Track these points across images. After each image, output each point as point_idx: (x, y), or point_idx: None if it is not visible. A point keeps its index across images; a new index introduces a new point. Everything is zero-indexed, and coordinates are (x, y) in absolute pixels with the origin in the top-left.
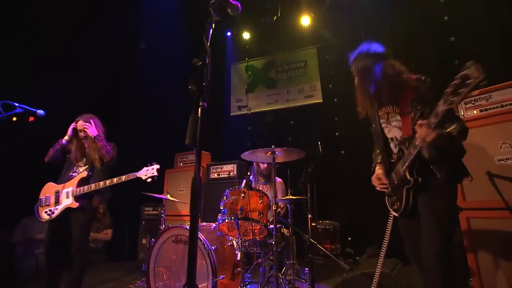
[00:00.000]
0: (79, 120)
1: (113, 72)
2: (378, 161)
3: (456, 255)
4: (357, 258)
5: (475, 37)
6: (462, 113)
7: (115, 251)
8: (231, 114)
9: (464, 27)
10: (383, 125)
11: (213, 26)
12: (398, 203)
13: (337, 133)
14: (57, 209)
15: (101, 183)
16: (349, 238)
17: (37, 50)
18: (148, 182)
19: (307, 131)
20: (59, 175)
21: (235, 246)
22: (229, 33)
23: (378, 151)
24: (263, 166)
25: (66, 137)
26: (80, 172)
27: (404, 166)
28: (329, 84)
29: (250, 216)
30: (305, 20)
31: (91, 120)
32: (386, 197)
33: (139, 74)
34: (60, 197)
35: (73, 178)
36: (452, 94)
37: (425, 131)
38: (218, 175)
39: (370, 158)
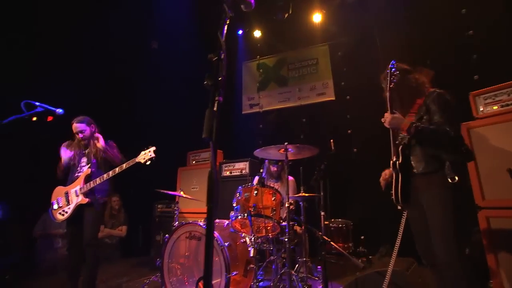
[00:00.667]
0: (74, 123)
1: (121, 71)
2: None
3: (475, 255)
4: (370, 257)
5: (493, 30)
6: (481, 109)
7: (129, 247)
8: (243, 112)
9: (483, 19)
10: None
11: (227, 22)
12: (393, 193)
13: (349, 131)
14: (69, 208)
15: (105, 175)
16: (362, 237)
17: (43, 50)
18: (147, 164)
19: (319, 129)
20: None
21: (248, 242)
22: (240, 31)
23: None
24: (273, 169)
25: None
26: (84, 171)
27: (395, 154)
28: (341, 81)
29: (263, 213)
30: (317, 17)
31: (93, 126)
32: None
33: (150, 73)
34: (70, 197)
35: (78, 177)
36: None
37: (386, 115)
38: (230, 173)
39: (383, 155)
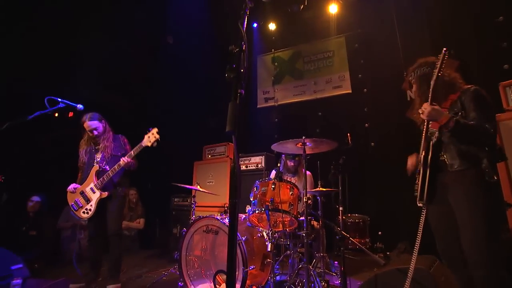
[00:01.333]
0: (86, 121)
1: (138, 67)
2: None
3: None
4: (388, 253)
5: None
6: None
7: (147, 239)
8: (258, 106)
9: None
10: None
11: (248, 13)
12: (419, 190)
13: (366, 125)
14: (91, 205)
15: (116, 166)
16: (380, 233)
17: (63, 45)
18: (155, 146)
19: (335, 122)
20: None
21: (265, 237)
22: (255, 25)
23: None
24: (290, 163)
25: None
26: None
27: (425, 149)
28: (358, 74)
29: (280, 208)
30: (333, 8)
31: (103, 121)
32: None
33: (165, 69)
34: (88, 195)
35: (89, 175)
36: None
37: (426, 105)
38: (246, 167)
39: (400, 149)
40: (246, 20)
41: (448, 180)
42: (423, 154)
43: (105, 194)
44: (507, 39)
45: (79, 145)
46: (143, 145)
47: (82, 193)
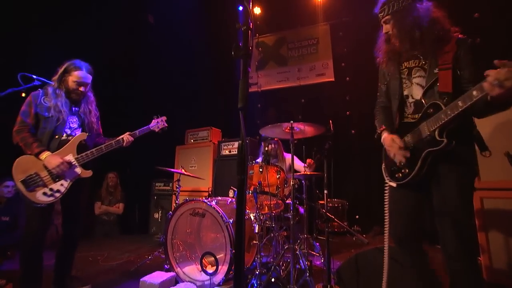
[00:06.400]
0: (81, 69)
1: (118, 47)
2: (385, 125)
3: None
4: (364, 235)
5: (500, 12)
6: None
7: (127, 224)
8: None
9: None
10: (403, 80)
11: None
12: (407, 170)
13: (348, 113)
14: (63, 186)
15: (113, 142)
16: (357, 216)
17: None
18: (160, 133)
19: (317, 109)
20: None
21: (253, 219)
22: (241, 8)
23: (383, 113)
24: (270, 146)
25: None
26: (77, 135)
27: (436, 126)
28: (342, 62)
29: (268, 191)
30: None
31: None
32: (385, 164)
33: (146, 50)
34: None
35: (68, 142)
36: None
37: (508, 73)
38: (229, 151)
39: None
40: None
41: (441, 160)
42: (432, 127)
43: (89, 173)
44: (480, 35)
45: (46, 94)
46: (151, 128)
47: (46, 167)
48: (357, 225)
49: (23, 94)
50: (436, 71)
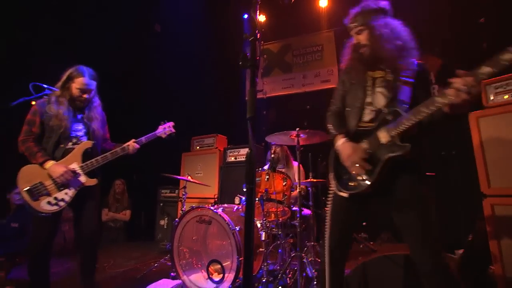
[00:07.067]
0: (84, 75)
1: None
2: (340, 131)
3: (479, 241)
4: (371, 243)
5: (505, 18)
6: (492, 98)
7: (132, 231)
8: (246, 98)
9: (495, 6)
10: (367, 88)
11: (259, 1)
12: (363, 177)
13: None
14: (67, 194)
15: (118, 149)
16: (364, 223)
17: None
18: (167, 140)
19: (323, 116)
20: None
21: (259, 227)
22: (246, 16)
23: (337, 118)
24: (273, 150)
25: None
26: (82, 142)
27: (397, 132)
28: None
29: (274, 198)
30: (323, 2)
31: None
32: (335, 173)
33: (152, 58)
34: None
35: (73, 150)
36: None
37: (473, 81)
38: (235, 158)
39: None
40: (258, 8)
41: (398, 169)
42: (391, 133)
43: (93, 181)
44: (487, 40)
45: (50, 101)
46: (157, 134)
47: (51, 175)
48: (363, 232)
49: (33, 103)
50: (399, 83)
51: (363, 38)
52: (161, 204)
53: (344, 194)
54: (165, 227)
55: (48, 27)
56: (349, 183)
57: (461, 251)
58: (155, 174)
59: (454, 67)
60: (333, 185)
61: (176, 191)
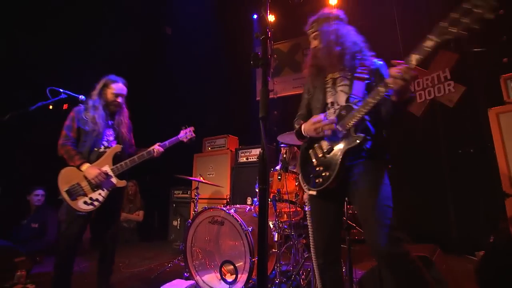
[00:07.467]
0: (117, 82)
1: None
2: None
3: (501, 243)
4: None
5: None
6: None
7: (146, 231)
8: (257, 98)
9: None
10: (327, 90)
11: (270, 1)
12: (327, 173)
13: None
14: (100, 195)
15: (145, 153)
16: None
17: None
18: (188, 143)
19: None
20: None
21: (272, 227)
22: (255, 16)
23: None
24: (283, 150)
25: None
26: (112, 147)
27: (351, 123)
28: None
29: (287, 198)
30: (332, 0)
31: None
32: (302, 173)
33: (162, 61)
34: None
35: (104, 154)
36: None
37: (405, 68)
38: (247, 159)
39: (398, 143)
40: (268, 8)
41: (362, 164)
42: (347, 126)
43: (123, 183)
44: (507, 32)
45: (88, 109)
46: (180, 138)
47: (86, 177)
48: None
49: (51, 107)
50: (354, 80)
51: (317, 42)
52: (174, 205)
53: (313, 192)
54: (178, 227)
55: (59, 30)
56: (316, 181)
57: (481, 253)
58: (167, 175)
59: (471, 61)
60: (303, 186)
61: (189, 192)
